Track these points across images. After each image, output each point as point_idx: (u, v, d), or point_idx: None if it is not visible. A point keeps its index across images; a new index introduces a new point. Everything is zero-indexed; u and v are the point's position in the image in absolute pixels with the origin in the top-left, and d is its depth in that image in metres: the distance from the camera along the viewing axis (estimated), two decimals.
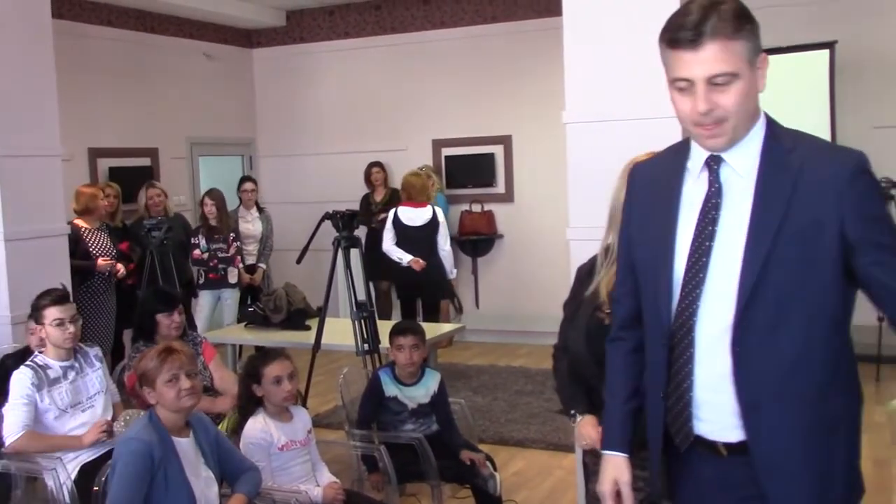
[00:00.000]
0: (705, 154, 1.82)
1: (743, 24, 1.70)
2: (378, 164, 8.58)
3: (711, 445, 1.86)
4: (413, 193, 6.97)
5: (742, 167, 1.79)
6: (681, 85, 1.74)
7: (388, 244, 6.91)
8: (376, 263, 7.76)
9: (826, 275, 1.73)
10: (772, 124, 1.82)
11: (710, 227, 1.80)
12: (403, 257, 6.82)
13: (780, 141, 1.79)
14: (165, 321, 4.06)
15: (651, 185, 1.94)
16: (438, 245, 6.90)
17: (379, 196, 8.49)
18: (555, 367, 2.72)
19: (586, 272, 2.61)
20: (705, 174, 1.83)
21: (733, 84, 1.70)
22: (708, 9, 1.69)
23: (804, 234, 1.72)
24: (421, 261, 6.82)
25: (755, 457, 1.80)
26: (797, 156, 1.75)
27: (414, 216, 6.92)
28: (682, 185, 1.87)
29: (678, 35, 1.71)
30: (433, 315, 7.24)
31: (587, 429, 2.49)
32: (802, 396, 1.77)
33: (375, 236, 8.22)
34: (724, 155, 1.80)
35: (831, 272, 1.73)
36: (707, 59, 1.68)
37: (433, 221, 6.89)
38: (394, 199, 8.40)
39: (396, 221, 6.91)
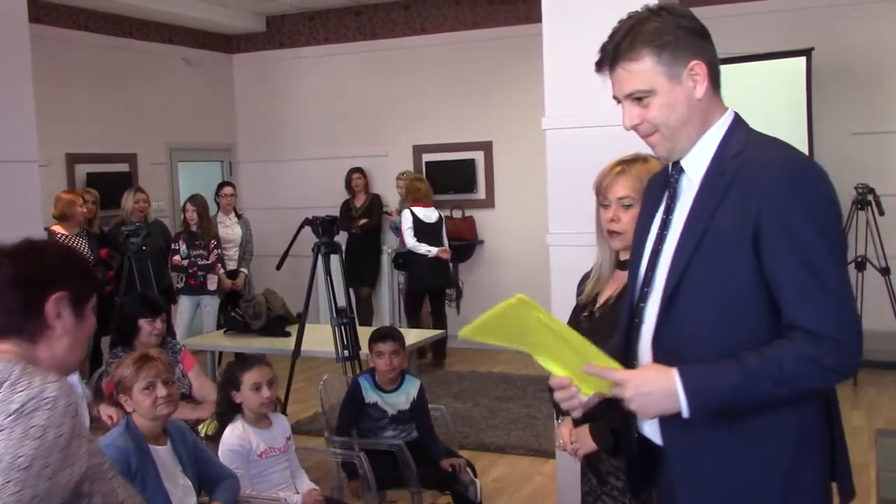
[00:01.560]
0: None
1: (650, 42, 1.75)
2: (359, 169, 8.58)
3: (659, 447, 1.88)
4: (419, 196, 7.68)
5: (694, 173, 1.82)
6: (617, 100, 1.84)
7: (412, 241, 7.57)
8: (358, 268, 7.88)
9: (746, 280, 1.69)
10: (733, 128, 1.81)
11: (663, 232, 1.85)
12: (431, 249, 7.57)
13: (731, 146, 1.77)
14: (147, 327, 4.03)
15: (649, 196, 2.00)
16: (444, 240, 7.77)
17: (359, 202, 8.48)
18: None
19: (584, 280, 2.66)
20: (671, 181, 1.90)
21: (652, 99, 1.78)
22: (626, 32, 1.79)
23: (726, 240, 1.70)
24: (448, 250, 7.72)
25: (669, 465, 1.80)
26: (740, 160, 1.73)
27: (427, 214, 7.69)
28: (665, 193, 1.93)
29: (598, 60, 1.84)
30: (441, 307, 7.90)
31: (562, 429, 2.53)
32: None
33: (356, 242, 8.25)
34: (682, 162, 1.84)
35: (750, 277, 1.69)
36: (619, 79, 1.81)
37: (440, 219, 7.80)
38: (374, 204, 8.42)
39: (416, 219, 7.60)
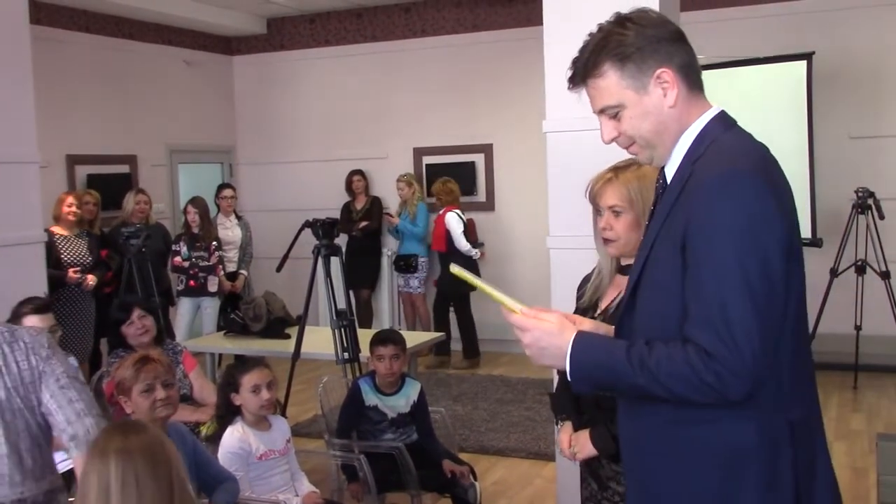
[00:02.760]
0: None
1: (611, 56, 1.74)
2: (359, 172, 8.57)
3: None
4: (453, 199, 7.83)
5: (671, 177, 1.80)
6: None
7: (467, 245, 7.67)
8: (358, 270, 7.89)
9: (682, 286, 1.66)
10: (706, 131, 1.76)
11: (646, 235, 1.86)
12: (477, 252, 7.83)
13: (697, 150, 1.74)
14: (128, 330, 4.01)
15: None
16: None
17: (359, 204, 8.47)
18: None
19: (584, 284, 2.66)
20: None
21: (622, 112, 1.77)
22: (591, 49, 1.78)
23: (667, 244, 1.70)
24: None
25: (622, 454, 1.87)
26: (695, 166, 1.71)
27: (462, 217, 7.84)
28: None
29: (569, 77, 1.83)
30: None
31: (561, 435, 2.53)
32: (658, 407, 1.70)
33: (356, 245, 8.24)
34: (665, 168, 1.83)
35: (683, 283, 1.67)
36: (590, 96, 1.81)
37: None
38: (374, 207, 8.42)
39: (464, 223, 7.72)
